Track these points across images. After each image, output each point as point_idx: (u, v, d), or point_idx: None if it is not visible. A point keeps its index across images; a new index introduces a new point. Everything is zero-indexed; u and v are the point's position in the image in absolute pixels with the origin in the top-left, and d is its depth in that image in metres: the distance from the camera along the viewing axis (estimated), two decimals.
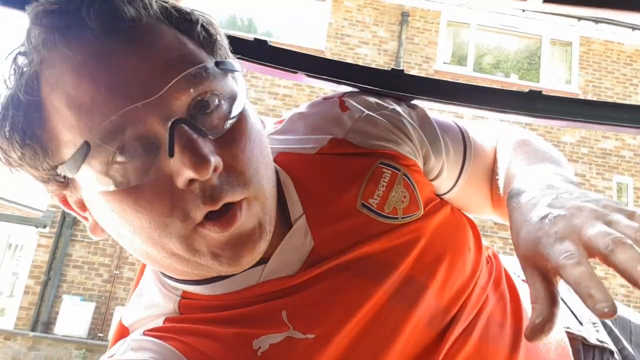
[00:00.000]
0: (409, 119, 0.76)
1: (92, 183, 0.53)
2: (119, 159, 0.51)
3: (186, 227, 0.53)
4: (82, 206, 0.60)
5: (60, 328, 8.20)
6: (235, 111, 0.56)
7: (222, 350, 0.58)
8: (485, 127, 0.88)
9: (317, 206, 0.65)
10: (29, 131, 0.54)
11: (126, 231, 0.55)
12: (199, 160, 0.50)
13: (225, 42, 0.62)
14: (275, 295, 0.61)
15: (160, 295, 0.66)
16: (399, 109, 0.77)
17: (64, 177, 0.56)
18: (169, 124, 0.51)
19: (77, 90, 0.51)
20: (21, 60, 0.55)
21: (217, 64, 0.56)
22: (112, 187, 0.52)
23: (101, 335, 8.33)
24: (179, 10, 0.58)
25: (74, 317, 8.21)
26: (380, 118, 0.74)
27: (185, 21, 0.58)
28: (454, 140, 0.80)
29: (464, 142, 0.81)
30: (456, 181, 0.80)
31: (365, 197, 0.67)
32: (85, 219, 0.61)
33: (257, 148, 0.57)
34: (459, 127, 0.82)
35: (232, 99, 0.56)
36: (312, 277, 0.62)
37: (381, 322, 0.61)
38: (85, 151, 0.51)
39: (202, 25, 0.58)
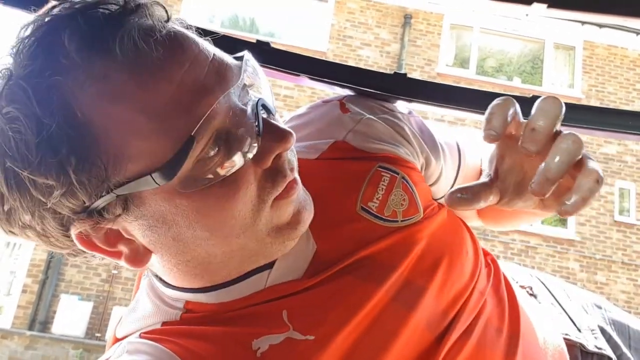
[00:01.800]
0: (408, 125, 0.78)
1: (180, 185, 0.51)
2: (212, 152, 0.51)
3: (269, 205, 0.56)
4: (115, 239, 0.56)
5: (58, 327, 8.22)
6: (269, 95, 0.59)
7: (221, 352, 0.58)
8: (476, 138, 0.91)
9: (318, 211, 0.65)
10: (78, 158, 0.49)
11: (198, 235, 0.55)
12: (283, 133, 0.54)
13: None
14: (277, 299, 0.62)
15: (157, 310, 0.65)
16: (398, 114, 0.79)
17: (113, 201, 0.52)
18: (250, 107, 0.54)
19: (148, 94, 0.49)
20: (37, 80, 0.48)
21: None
22: (210, 182, 0.52)
23: (98, 335, 8.34)
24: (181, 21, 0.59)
25: (71, 316, 8.24)
26: (380, 122, 0.75)
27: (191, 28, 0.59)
28: (450, 147, 0.82)
29: (458, 149, 0.84)
30: (452, 186, 0.81)
31: (364, 200, 0.68)
32: (114, 254, 0.57)
33: None
34: (452, 135, 0.85)
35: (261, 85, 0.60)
36: (316, 282, 0.62)
37: (380, 325, 0.61)
38: (186, 149, 0.49)
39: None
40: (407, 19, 10.18)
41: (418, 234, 0.68)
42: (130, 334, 0.64)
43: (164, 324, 0.63)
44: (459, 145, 0.84)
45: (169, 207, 0.53)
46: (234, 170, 0.52)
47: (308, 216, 0.61)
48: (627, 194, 9.83)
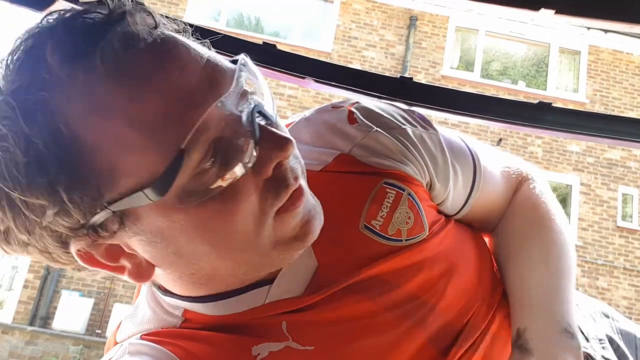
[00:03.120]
0: (417, 143, 0.73)
1: (176, 200, 0.49)
2: (207, 164, 0.49)
3: (272, 218, 0.54)
4: (116, 254, 0.55)
5: (58, 323, 8.23)
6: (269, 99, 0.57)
7: (221, 355, 0.58)
8: (500, 157, 0.86)
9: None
10: (69, 177, 0.47)
11: (199, 250, 0.53)
12: (282, 140, 0.51)
13: None
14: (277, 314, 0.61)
15: (156, 318, 0.64)
16: (409, 130, 0.73)
17: (109, 218, 0.50)
18: (246, 114, 0.51)
19: (135, 106, 0.47)
20: (24, 97, 0.47)
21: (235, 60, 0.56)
22: (207, 196, 0.49)
23: (99, 331, 8.36)
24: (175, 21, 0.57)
25: (72, 312, 8.24)
26: (389, 136, 0.71)
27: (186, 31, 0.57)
28: (464, 165, 0.77)
29: (475, 170, 0.78)
30: (461, 209, 0.78)
31: (368, 218, 0.65)
32: (117, 269, 0.56)
33: None
34: (472, 155, 0.79)
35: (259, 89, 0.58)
36: (317, 300, 0.61)
37: (381, 338, 0.61)
38: (177, 163, 0.47)
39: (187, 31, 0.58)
40: (412, 21, 10.17)
41: (423, 252, 0.66)
42: (131, 336, 0.63)
43: (164, 329, 0.63)
44: (476, 167, 0.78)
45: (166, 222, 0.51)
46: (231, 181, 0.50)
47: (318, 225, 0.58)
48: (630, 200, 9.81)
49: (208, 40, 0.57)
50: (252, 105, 0.52)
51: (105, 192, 0.49)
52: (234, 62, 0.54)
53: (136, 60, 0.48)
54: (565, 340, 0.65)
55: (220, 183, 0.49)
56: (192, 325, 0.62)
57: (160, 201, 0.48)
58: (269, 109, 0.54)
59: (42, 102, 0.47)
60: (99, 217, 0.50)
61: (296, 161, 0.57)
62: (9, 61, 0.48)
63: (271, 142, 0.51)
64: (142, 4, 0.53)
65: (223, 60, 0.54)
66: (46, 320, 8.43)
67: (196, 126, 0.47)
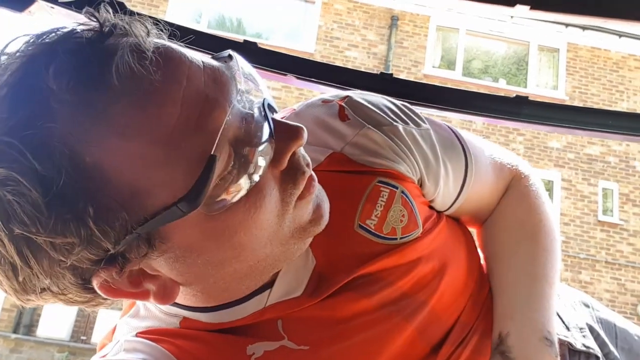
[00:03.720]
0: (408, 141, 0.72)
1: (206, 208, 0.48)
2: (230, 167, 0.48)
3: (293, 207, 0.54)
4: (139, 278, 0.52)
5: (43, 330, 8.13)
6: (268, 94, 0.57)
7: (216, 354, 0.58)
8: (493, 150, 0.85)
9: None
10: (96, 207, 0.44)
11: (227, 255, 0.52)
12: (296, 129, 0.51)
13: None
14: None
15: (154, 318, 0.64)
16: (400, 127, 0.72)
17: (136, 241, 0.47)
18: (257, 109, 0.51)
19: (154, 121, 0.45)
20: (26, 133, 0.43)
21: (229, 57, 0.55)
22: (237, 197, 0.49)
23: (84, 338, 8.26)
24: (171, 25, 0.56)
25: (56, 319, 8.13)
26: (380, 134, 0.70)
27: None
28: (456, 162, 0.76)
29: (466, 167, 0.77)
30: (451, 206, 0.79)
31: (362, 218, 0.66)
32: (140, 294, 0.53)
33: None
34: (464, 150, 0.78)
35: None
36: (315, 303, 0.62)
37: (375, 335, 0.62)
38: (209, 171, 0.46)
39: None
40: (393, 21, 10.21)
41: (417, 250, 0.67)
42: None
43: (160, 328, 0.63)
44: (467, 162, 0.77)
45: (197, 233, 0.49)
46: (257, 178, 0.49)
47: (327, 208, 0.59)
48: (611, 194, 9.94)
49: (189, 39, 0.56)
50: (261, 100, 0.52)
51: (133, 215, 0.46)
52: (217, 59, 0.53)
53: (148, 73, 0.45)
54: (545, 348, 0.66)
55: (246, 182, 0.49)
56: (189, 326, 0.62)
57: (192, 213, 0.47)
58: (272, 101, 0.54)
59: (53, 134, 0.43)
60: (127, 242, 0.47)
61: (303, 149, 0.57)
62: None
63: (285, 133, 0.51)
64: (132, 11, 0.52)
65: (211, 60, 0.52)
66: (30, 328, 8.31)
67: (221, 130, 0.46)
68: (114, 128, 0.44)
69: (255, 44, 0.91)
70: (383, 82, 0.92)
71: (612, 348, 0.83)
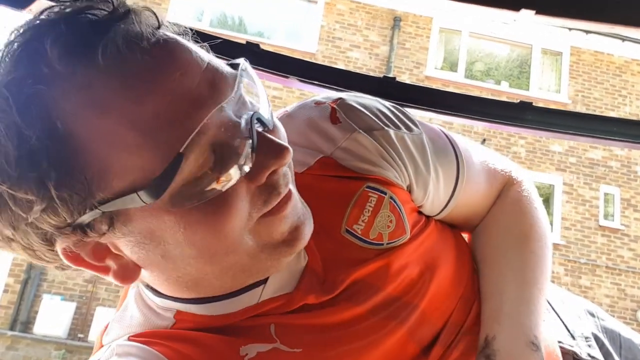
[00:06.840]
0: (399, 146, 0.72)
1: (169, 202, 0.48)
2: (203, 168, 0.49)
3: (255, 221, 0.54)
4: (102, 254, 0.54)
5: (40, 328, 8.12)
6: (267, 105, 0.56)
7: (209, 355, 0.58)
8: (486, 155, 0.84)
9: None
10: (59, 173, 0.46)
11: (185, 253, 0.53)
12: (279, 149, 0.51)
13: None
14: (269, 313, 0.62)
15: (146, 321, 0.64)
16: (391, 132, 0.72)
17: (98, 217, 0.49)
18: (245, 120, 0.51)
19: (135, 106, 0.46)
20: (19, 89, 0.46)
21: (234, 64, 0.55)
22: (201, 200, 0.49)
23: (81, 335, 8.26)
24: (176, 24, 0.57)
25: (53, 317, 8.13)
26: (370, 139, 0.70)
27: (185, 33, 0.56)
28: (447, 167, 0.76)
29: (458, 171, 0.77)
30: (441, 211, 0.78)
31: (349, 223, 0.66)
32: (102, 269, 0.55)
33: None
34: (456, 155, 0.77)
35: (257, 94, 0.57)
36: (305, 305, 0.62)
37: (366, 341, 0.62)
38: (175, 167, 0.46)
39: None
40: (396, 22, 10.22)
41: (405, 255, 0.67)
42: (118, 338, 0.63)
43: (152, 330, 0.62)
44: (459, 167, 0.77)
45: (157, 224, 0.50)
46: (228, 186, 0.50)
47: (308, 231, 0.58)
48: (612, 199, 9.94)
49: (207, 44, 0.56)
50: (251, 112, 0.52)
51: (97, 192, 0.48)
52: (233, 65, 0.54)
53: (138, 59, 0.47)
54: (530, 353, 0.66)
55: (215, 187, 0.49)
56: (182, 326, 0.62)
57: (153, 203, 0.48)
58: (267, 115, 0.54)
59: (38, 96, 0.46)
60: (87, 217, 0.49)
61: (288, 166, 0.56)
62: (5, 53, 0.48)
63: (268, 150, 0.51)
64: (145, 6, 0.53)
65: (223, 65, 0.53)
66: (27, 325, 8.31)
67: (196, 130, 0.47)
68: (92, 102, 0.46)
69: (258, 45, 0.91)
70: (385, 86, 0.91)
71: (616, 358, 0.83)
